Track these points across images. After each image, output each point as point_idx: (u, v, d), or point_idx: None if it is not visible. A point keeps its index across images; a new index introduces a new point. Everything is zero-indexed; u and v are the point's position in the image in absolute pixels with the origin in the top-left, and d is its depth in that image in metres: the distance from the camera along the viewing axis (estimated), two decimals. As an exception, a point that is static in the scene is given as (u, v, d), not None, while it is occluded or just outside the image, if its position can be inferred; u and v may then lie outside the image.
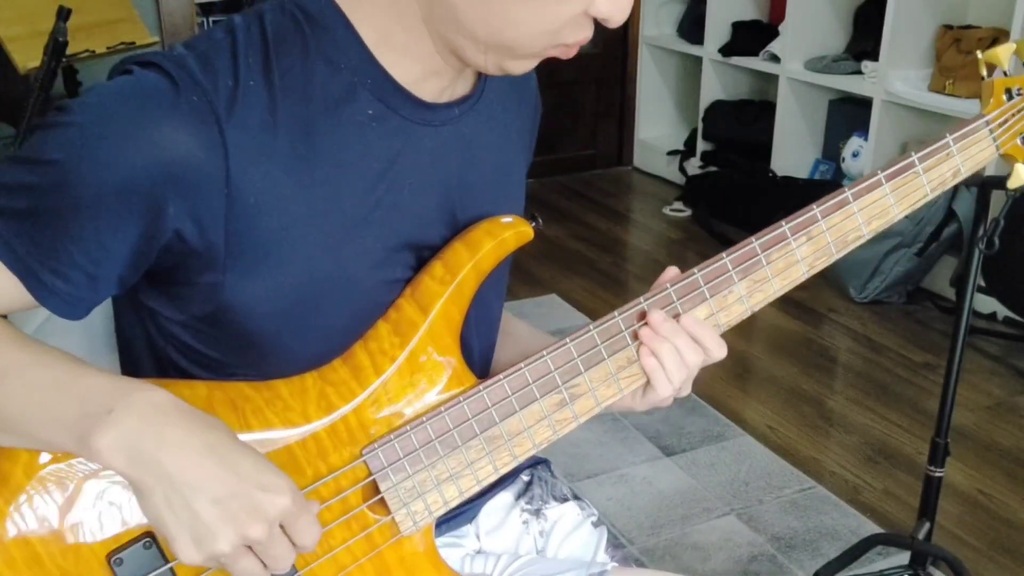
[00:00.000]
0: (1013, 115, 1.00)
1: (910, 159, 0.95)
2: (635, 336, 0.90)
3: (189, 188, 0.75)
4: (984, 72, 1.02)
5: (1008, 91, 1.00)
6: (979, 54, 1.04)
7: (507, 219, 0.90)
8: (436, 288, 0.87)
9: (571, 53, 0.82)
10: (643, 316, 0.90)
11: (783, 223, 0.92)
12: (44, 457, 0.77)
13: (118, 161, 0.73)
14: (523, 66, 0.83)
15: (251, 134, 0.77)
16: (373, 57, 0.82)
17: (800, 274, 0.93)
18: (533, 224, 0.91)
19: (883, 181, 0.94)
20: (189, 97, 0.75)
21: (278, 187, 0.78)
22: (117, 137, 0.74)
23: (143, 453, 0.72)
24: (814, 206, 0.93)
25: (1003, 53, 1.01)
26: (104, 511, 0.79)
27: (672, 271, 0.92)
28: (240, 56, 0.78)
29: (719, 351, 0.91)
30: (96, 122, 0.74)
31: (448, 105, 0.87)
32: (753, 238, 0.91)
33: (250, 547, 0.75)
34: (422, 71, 0.84)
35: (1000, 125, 0.99)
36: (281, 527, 0.76)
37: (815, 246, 0.93)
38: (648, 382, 0.91)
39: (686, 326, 0.89)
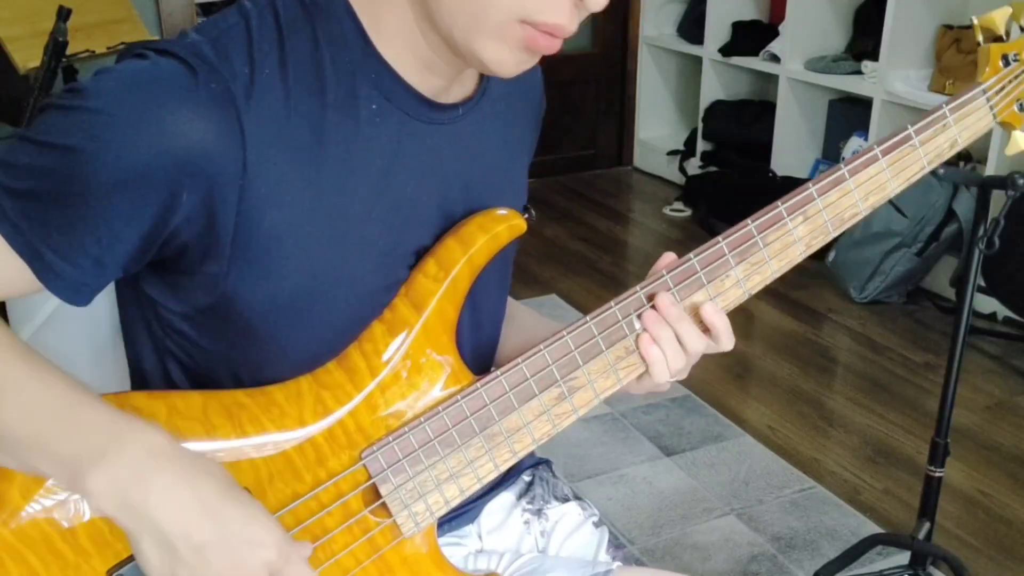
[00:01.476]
0: (1010, 81, 0.97)
1: (906, 132, 0.93)
2: (633, 326, 0.89)
3: (206, 177, 0.75)
4: (980, 38, 1.00)
5: (1004, 57, 0.97)
6: (974, 19, 1.01)
7: (499, 212, 0.89)
8: (430, 286, 0.86)
9: (553, 45, 0.78)
10: (642, 304, 0.89)
11: (779, 203, 0.91)
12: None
13: (136, 150, 0.73)
14: (494, 50, 0.77)
15: (267, 123, 0.76)
16: (375, 49, 0.81)
17: (798, 254, 0.92)
18: (526, 216, 0.90)
19: (879, 156, 0.92)
20: (208, 85, 0.74)
21: (288, 179, 0.78)
22: (136, 125, 0.73)
23: (131, 501, 0.72)
24: (810, 184, 0.91)
25: (999, 17, 0.98)
26: (102, 528, 0.78)
27: (669, 257, 0.91)
28: (255, 42, 0.77)
29: (728, 342, 0.90)
30: (114, 109, 0.73)
31: (452, 105, 0.87)
32: (749, 220, 0.90)
33: None
34: (416, 62, 0.83)
35: (997, 92, 0.97)
36: None
37: (812, 225, 0.91)
38: (646, 369, 0.90)
39: (706, 314, 0.89)
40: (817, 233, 0.92)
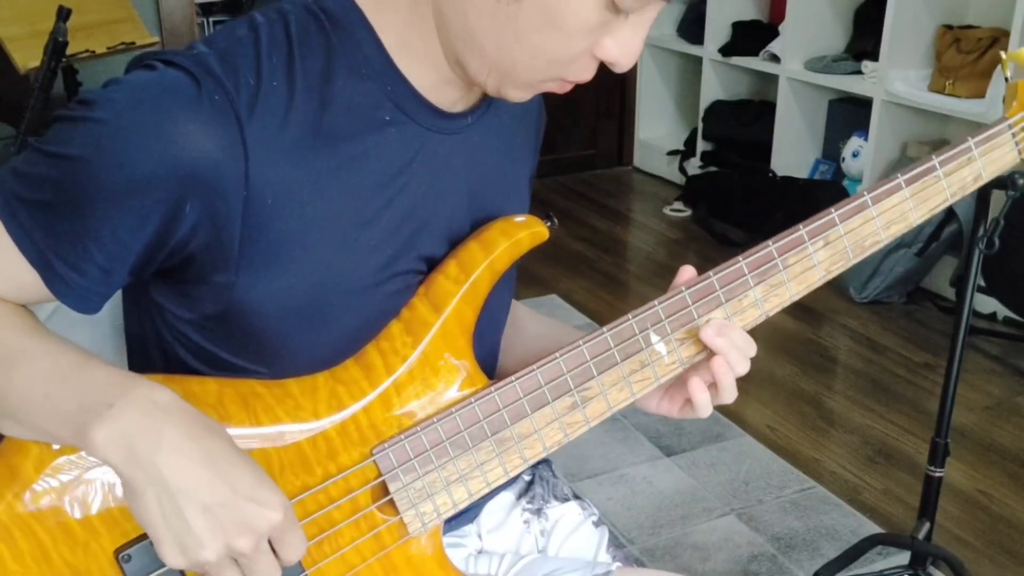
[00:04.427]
0: None
1: (931, 163, 0.93)
2: (649, 340, 0.89)
3: (208, 188, 0.75)
4: (1008, 74, 1.00)
5: None
6: (1002, 54, 1.01)
7: (521, 219, 0.89)
8: (450, 287, 0.86)
9: (567, 88, 0.83)
10: (660, 319, 0.88)
11: (800, 227, 0.90)
12: (54, 451, 0.77)
13: (138, 159, 0.73)
14: (520, 94, 0.83)
15: (271, 135, 0.77)
16: (393, 63, 0.82)
17: (817, 279, 0.92)
18: (548, 224, 0.90)
19: (903, 185, 0.92)
20: (211, 96, 0.75)
21: (295, 189, 0.78)
22: (138, 136, 0.73)
23: (139, 452, 0.71)
24: (832, 210, 0.90)
25: None
26: (112, 506, 0.78)
27: (688, 272, 0.91)
28: (263, 55, 0.78)
29: (747, 354, 0.90)
30: (118, 120, 0.74)
31: (462, 114, 0.88)
32: (770, 241, 0.90)
33: (236, 560, 0.75)
34: (437, 79, 0.84)
35: (1023, 129, 0.97)
36: (269, 542, 0.76)
37: (832, 250, 0.91)
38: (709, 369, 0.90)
39: (706, 338, 0.88)
40: (837, 259, 0.92)
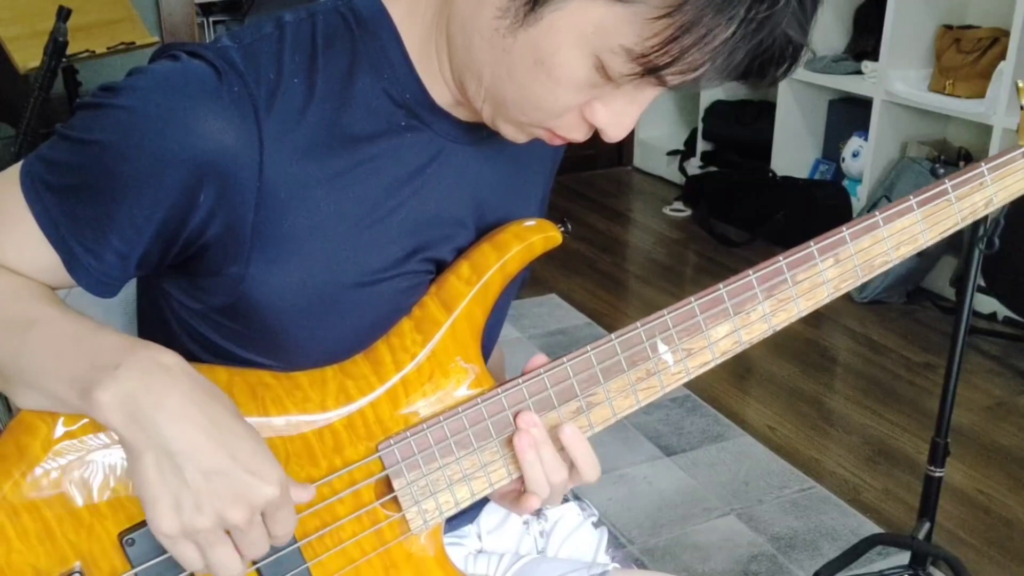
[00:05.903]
0: None
1: (943, 186, 0.93)
2: (656, 349, 0.89)
3: (222, 178, 0.76)
4: (1023, 101, 1.00)
5: None
6: (1019, 83, 1.02)
7: (535, 223, 0.89)
8: (461, 288, 0.87)
9: (556, 142, 0.82)
10: (668, 328, 0.88)
11: (811, 243, 0.91)
12: (61, 431, 0.77)
13: (155, 145, 0.74)
14: (512, 132, 0.82)
15: (288, 130, 0.77)
16: (415, 71, 0.83)
17: (825, 296, 0.92)
18: (562, 229, 0.91)
19: (915, 207, 0.93)
20: (230, 88, 0.75)
21: (309, 184, 0.79)
22: (158, 123, 0.74)
23: (141, 413, 0.71)
24: (843, 228, 0.91)
25: None
26: (119, 490, 0.79)
27: (539, 359, 0.89)
28: (286, 52, 0.79)
29: (591, 472, 0.87)
30: (139, 107, 0.75)
31: (479, 125, 0.87)
32: (780, 256, 0.90)
33: (228, 533, 0.74)
34: (450, 96, 0.84)
35: None
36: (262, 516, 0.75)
37: (842, 268, 0.92)
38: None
39: (564, 437, 0.86)
40: (846, 276, 0.92)
